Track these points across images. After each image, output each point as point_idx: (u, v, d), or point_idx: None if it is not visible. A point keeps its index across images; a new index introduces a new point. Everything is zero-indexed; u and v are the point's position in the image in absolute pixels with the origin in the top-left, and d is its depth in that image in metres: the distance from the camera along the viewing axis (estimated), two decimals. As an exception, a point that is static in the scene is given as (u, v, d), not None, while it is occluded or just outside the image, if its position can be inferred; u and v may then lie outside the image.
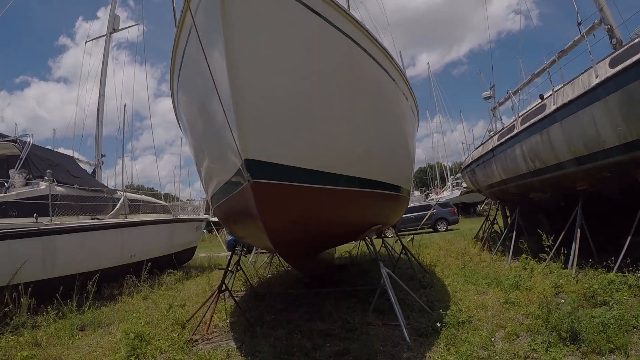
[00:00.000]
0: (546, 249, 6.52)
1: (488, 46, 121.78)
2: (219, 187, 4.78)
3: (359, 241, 9.81)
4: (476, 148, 12.94)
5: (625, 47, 5.35)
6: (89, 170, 12.49)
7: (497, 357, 3.49)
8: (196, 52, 3.37)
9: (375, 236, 7.37)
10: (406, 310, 4.97)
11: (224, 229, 24.08)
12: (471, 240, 12.79)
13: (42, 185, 8.01)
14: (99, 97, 13.23)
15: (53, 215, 7.44)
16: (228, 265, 6.17)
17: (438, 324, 4.30)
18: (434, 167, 48.09)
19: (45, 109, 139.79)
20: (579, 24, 7.66)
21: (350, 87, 4.12)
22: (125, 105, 20.89)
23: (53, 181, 8.20)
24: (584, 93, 5.81)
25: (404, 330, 4.20)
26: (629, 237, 5.49)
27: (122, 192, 10.87)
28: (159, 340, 4.64)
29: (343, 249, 12.21)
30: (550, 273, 6.23)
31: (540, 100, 7.73)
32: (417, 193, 38.05)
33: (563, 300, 4.55)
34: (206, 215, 16.94)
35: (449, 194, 33.34)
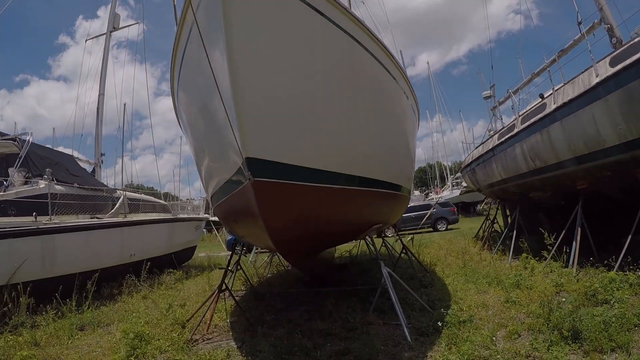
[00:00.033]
0: (549, 247, 6.52)
1: (488, 46, 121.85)
2: (219, 186, 4.77)
3: (359, 240, 9.79)
4: (476, 147, 12.94)
5: (626, 46, 5.35)
6: (89, 169, 12.48)
7: (498, 356, 3.48)
8: (197, 50, 3.35)
9: (376, 235, 7.36)
10: (407, 309, 4.96)
11: (224, 228, 24.09)
12: (471, 239, 12.79)
13: (42, 184, 7.99)
14: (99, 95, 13.21)
15: (52, 214, 7.42)
16: (228, 265, 6.15)
17: (439, 323, 4.30)
18: (433, 166, 48.13)
19: (45, 107, 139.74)
20: (579, 23, 7.66)
21: (351, 86, 4.10)
22: (125, 104, 20.90)
23: (52, 180, 8.19)
24: (585, 92, 5.81)
25: (405, 329, 4.19)
26: (630, 236, 5.49)
27: (121, 191, 10.85)
28: (158, 340, 4.62)
29: (343, 249, 12.20)
30: (551, 272, 6.23)
31: (540, 100, 7.73)
32: (417, 192, 38.07)
33: (564, 299, 4.55)
34: (206, 215, 16.93)
35: (448, 193, 33.36)
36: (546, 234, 6.50)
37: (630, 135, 5.18)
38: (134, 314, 5.65)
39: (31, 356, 4.35)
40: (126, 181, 17.58)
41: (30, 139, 8.77)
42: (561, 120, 6.47)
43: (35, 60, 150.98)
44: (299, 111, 3.57)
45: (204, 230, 21.83)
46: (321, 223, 4.29)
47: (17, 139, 8.78)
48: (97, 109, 13.22)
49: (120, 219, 9.46)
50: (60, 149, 12.61)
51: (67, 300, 6.37)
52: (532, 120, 7.45)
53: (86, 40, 15.24)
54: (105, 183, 12.44)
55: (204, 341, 4.80)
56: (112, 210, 9.61)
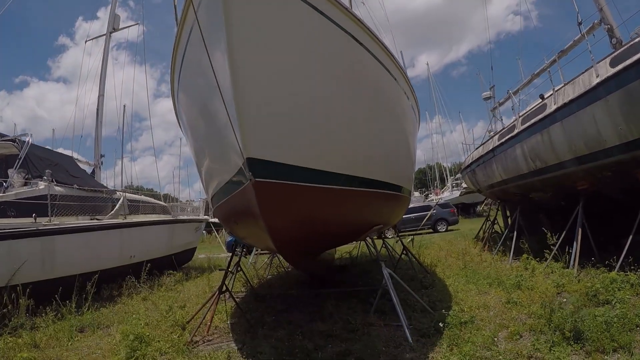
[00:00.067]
0: (552, 246, 6.51)
1: (487, 47, 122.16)
2: (219, 187, 4.75)
3: (359, 242, 9.79)
4: (476, 148, 12.95)
5: (626, 47, 5.35)
6: (88, 170, 12.44)
7: (500, 357, 3.48)
8: (197, 50, 3.35)
9: (376, 237, 7.35)
10: (408, 310, 4.95)
11: (224, 229, 24.08)
12: (471, 240, 12.78)
13: (41, 185, 7.96)
14: (99, 96, 13.19)
15: (52, 216, 7.39)
16: (228, 266, 6.14)
17: (440, 324, 4.29)
18: (433, 167, 48.13)
19: (45, 109, 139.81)
20: (580, 23, 7.67)
21: (352, 86, 4.10)
22: (124, 106, 20.87)
23: (52, 181, 8.16)
24: (585, 92, 5.81)
25: (406, 330, 4.18)
26: (631, 236, 5.49)
27: (121, 193, 10.83)
28: (159, 341, 4.60)
29: (343, 250, 12.18)
30: (552, 273, 6.22)
31: (540, 100, 7.73)
32: (416, 194, 38.04)
33: (565, 300, 4.54)
34: (206, 216, 16.90)
35: (448, 194, 33.36)
36: (549, 234, 6.50)
37: (631, 136, 5.18)
38: (134, 316, 5.62)
39: (31, 358, 4.34)
40: (126, 182, 17.57)
41: (30, 140, 8.75)
42: (562, 121, 6.47)
43: (35, 61, 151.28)
44: (300, 111, 3.56)
45: (204, 231, 21.79)
46: (322, 224, 4.28)
47: (17, 140, 8.76)
48: (97, 110, 13.21)
49: (120, 220, 9.44)
50: (60, 150, 12.58)
51: (67, 301, 6.35)
52: (533, 120, 7.45)
53: (86, 41, 15.26)
54: (105, 184, 12.41)
55: (204, 343, 4.78)
56: (112, 212, 9.59)
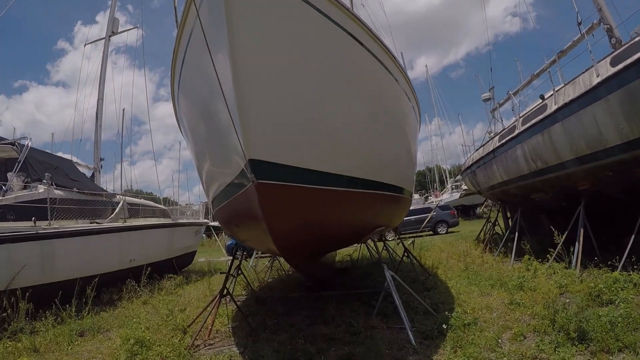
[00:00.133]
0: (554, 247, 6.49)
1: (485, 49, 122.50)
2: (220, 189, 4.72)
3: (360, 244, 9.76)
4: (476, 150, 12.94)
5: (626, 46, 5.36)
6: (88, 174, 12.42)
7: (504, 358, 3.46)
8: (198, 52, 3.33)
9: (377, 239, 7.32)
10: (410, 313, 4.93)
11: (224, 233, 24.03)
12: (472, 242, 12.75)
13: (41, 188, 7.93)
14: (98, 100, 13.17)
15: (52, 219, 7.37)
16: (229, 270, 6.11)
17: (444, 326, 4.27)
18: (432, 170, 48.10)
19: (44, 113, 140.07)
20: (579, 23, 7.67)
21: (354, 87, 4.09)
22: (123, 110, 20.90)
23: (51, 184, 8.14)
24: (586, 92, 5.81)
25: (410, 333, 4.15)
26: (633, 236, 5.47)
27: (121, 196, 10.79)
28: (159, 346, 4.56)
29: (344, 252, 12.14)
30: (554, 273, 6.20)
31: (541, 101, 7.74)
32: (416, 196, 37.99)
33: (568, 300, 4.52)
34: (205, 220, 16.87)
35: (448, 196, 33.32)
36: (556, 233, 6.49)
37: (632, 135, 5.18)
38: (134, 320, 5.58)
39: (30, 363, 4.29)
40: (125, 186, 17.48)
41: (29, 144, 8.72)
42: (562, 121, 6.47)
43: (34, 65, 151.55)
44: (302, 112, 3.54)
45: (204, 235, 21.75)
46: (324, 226, 4.26)
47: (16, 144, 8.73)
48: (97, 113, 13.19)
49: (119, 223, 9.40)
50: (60, 154, 12.56)
51: (67, 305, 6.31)
52: (533, 121, 7.45)
53: (85, 45, 15.25)
54: (104, 188, 12.38)
55: (205, 347, 4.74)
56: (112, 215, 9.55)
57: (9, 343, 5.02)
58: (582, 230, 6.48)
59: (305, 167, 3.64)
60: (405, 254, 8.32)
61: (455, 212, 21.82)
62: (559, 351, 3.42)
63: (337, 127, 3.96)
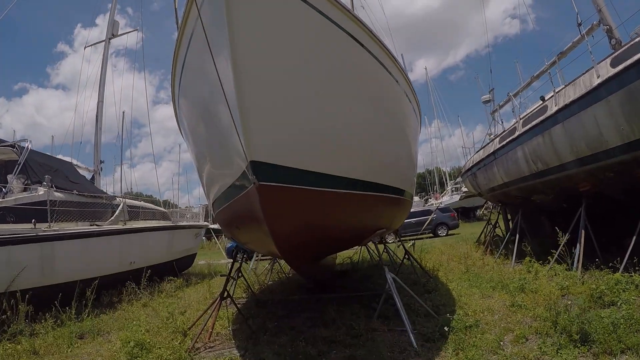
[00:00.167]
0: (561, 247, 6.47)
1: (484, 51, 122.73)
2: (221, 191, 4.71)
3: (361, 246, 9.74)
4: (477, 152, 12.93)
5: (627, 47, 5.36)
6: (88, 176, 12.41)
7: (507, 360, 3.43)
8: (199, 54, 3.33)
9: (378, 241, 7.30)
10: (411, 315, 4.91)
11: (224, 235, 24.01)
12: (473, 244, 12.72)
13: (41, 190, 7.93)
14: (98, 102, 13.19)
15: (52, 221, 7.36)
16: (230, 272, 6.09)
17: (445, 329, 4.24)
18: (432, 172, 48.10)
19: (44, 115, 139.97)
20: (579, 24, 7.67)
21: (355, 88, 4.09)
22: (123, 112, 20.91)
23: (52, 187, 8.13)
24: (586, 93, 5.81)
25: (411, 335, 4.13)
26: (634, 237, 5.45)
27: (121, 199, 10.78)
28: (159, 348, 4.53)
29: (344, 255, 12.12)
30: (555, 275, 6.18)
31: (541, 102, 7.73)
32: (416, 198, 37.96)
33: (570, 302, 4.50)
34: (205, 222, 16.85)
35: (448, 198, 33.29)
36: (560, 234, 6.46)
37: (633, 136, 5.17)
38: (134, 322, 5.56)
39: (30, 366, 4.27)
40: (125, 189, 17.50)
41: (29, 146, 8.73)
42: (563, 122, 6.46)
43: (34, 68, 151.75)
44: (303, 114, 3.54)
45: (204, 238, 21.73)
46: (326, 228, 4.25)
47: (16, 146, 8.74)
48: (97, 116, 13.20)
49: (119, 226, 9.39)
50: (60, 156, 12.51)
51: (67, 308, 6.29)
52: (534, 122, 7.44)
53: (85, 47, 15.29)
54: (104, 191, 12.37)
55: (206, 349, 4.72)
56: (112, 218, 9.54)
57: (9, 345, 5.01)
58: (583, 231, 6.46)
59: (306, 169, 3.63)
60: (406, 256, 8.30)
61: (456, 215, 21.80)
62: (561, 353, 3.41)
63: (338, 128, 3.95)
